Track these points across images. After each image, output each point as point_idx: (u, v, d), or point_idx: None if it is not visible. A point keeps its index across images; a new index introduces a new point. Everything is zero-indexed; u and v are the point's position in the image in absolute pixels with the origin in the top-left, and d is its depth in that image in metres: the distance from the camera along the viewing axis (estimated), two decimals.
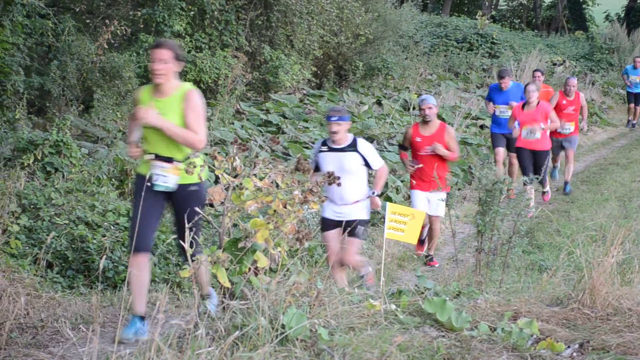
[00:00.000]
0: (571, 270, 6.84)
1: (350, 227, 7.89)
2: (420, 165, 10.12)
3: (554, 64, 28.32)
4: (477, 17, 32.47)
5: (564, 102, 14.26)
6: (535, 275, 7.97)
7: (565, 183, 14.50)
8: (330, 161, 8.27)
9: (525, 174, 11.47)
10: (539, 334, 4.82)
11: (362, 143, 8.43)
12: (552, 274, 6.45)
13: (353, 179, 8.22)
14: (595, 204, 13.04)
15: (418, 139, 10.16)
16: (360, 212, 8.34)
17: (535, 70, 15.60)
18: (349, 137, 8.36)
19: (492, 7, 47.21)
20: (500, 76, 14.07)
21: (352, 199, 8.30)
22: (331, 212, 8.42)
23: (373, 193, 8.42)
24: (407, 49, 25.35)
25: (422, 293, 5.47)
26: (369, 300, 5.07)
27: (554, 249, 9.92)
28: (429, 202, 10.09)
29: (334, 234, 8.36)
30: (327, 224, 8.50)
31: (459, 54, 27.68)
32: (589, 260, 5.50)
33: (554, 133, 13.44)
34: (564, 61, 29.07)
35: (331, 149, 8.36)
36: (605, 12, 46.18)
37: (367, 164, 8.34)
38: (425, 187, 10.14)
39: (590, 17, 45.50)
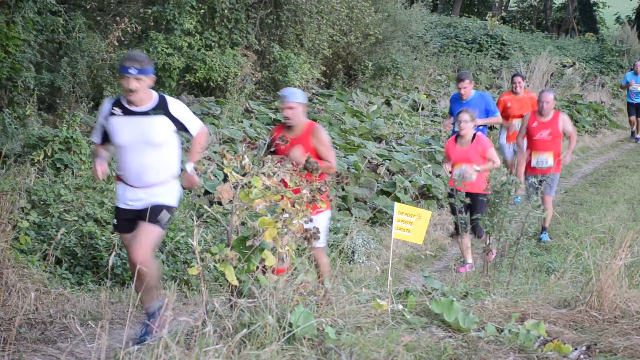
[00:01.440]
0: (579, 273, 6.84)
1: (149, 212, 6.20)
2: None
3: (564, 66, 28.28)
4: (487, 18, 32.47)
5: (535, 124, 10.94)
6: (542, 277, 7.97)
7: (542, 229, 10.96)
8: (126, 129, 6.22)
9: (457, 225, 9.36)
10: (546, 335, 4.82)
11: (173, 103, 6.39)
12: (560, 276, 6.44)
13: (159, 153, 6.28)
14: (603, 206, 13.02)
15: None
16: (166, 196, 6.35)
17: (515, 75, 13.86)
18: (154, 97, 6.33)
19: (502, 8, 47.15)
20: (459, 79, 11.52)
21: (156, 179, 6.29)
22: (128, 200, 6.34)
23: (187, 166, 6.45)
24: (416, 49, 25.35)
25: (430, 293, 5.48)
26: (376, 300, 5.08)
27: (562, 251, 9.91)
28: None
29: (131, 236, 6.30)
30: (122, 219, 6.39)
31: (468, 55, 27.66)
32: (596, 263, 5.50)
33: (529, 167, 11.01)
34: (574, 63, 29.03)
35: (128, 112, 6.26)
36: (616, 14, 46.06)
37: (182, 129, 6.40)
38: None
39: (600, 19, 45.42)
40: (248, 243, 5.07)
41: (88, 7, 15.70)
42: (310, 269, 5.18)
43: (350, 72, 21.44)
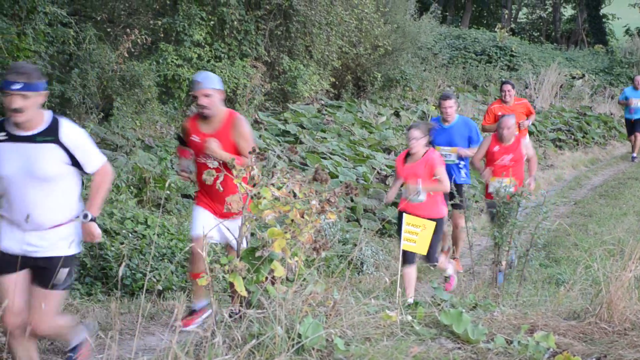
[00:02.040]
0: (588, 284, 6.82)
1: (42, 270, 5.17)
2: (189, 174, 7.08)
3: (573, 78, 28.27)
4: (496, 29, 32.47)
5: (496, 148, 10.11)
6: (552, 288, 7.95)
7: (499, 272, 8.97)
8: (10, 157, 5.09)
9: (404, 256, 8.20)
10: (555, 347, 4.81)
11: (67, 129, 5.18)
12: (569, 287, 6.44)
13: (50, 189, 5.17)
14: (613, 218, 12.99)
15: (195, 138, 6.80)
16: (61, 244, 5.23)
17: (504, 83, 12.82)
18: (46, 119, 5.16)
19: (512, 19, 47.19)
20: (443, 97, 10.48)
21: (46, 220, 5.17)
22: (14, 242, 5.20)
23: (85, 216, 5.33)
24: (425, 60, 25.37)
25: (439, 305, 5.47)
26: (385, 311, 5.08)
27: (571, 262, 9.89)
28: (220, 230, 6.57)
29: (14, 280, 5.19)
30: (4, 261, 5.21)
31: (477, 67, 27.68)
32: (606, 275, 5.49)
33: (487, 193, 10.08)
34: (584, 75, 29.01)
35: (12, 137, 5.13)
36: (626, 26, 46.02)
37: (75, 164, 5.27)
38: (213, 209, 6.86)
39: (610, 31, 45.37)
40: (257, 254, 5.08)
41: (98, 18, 15.78)
42: (320, 280, 5.18)
43: (359, 83, 21.47)
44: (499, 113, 12.07)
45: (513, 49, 29.92)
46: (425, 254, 8.21)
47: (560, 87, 25.99)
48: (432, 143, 8.89)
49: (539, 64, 29.19)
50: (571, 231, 11.15)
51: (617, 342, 4.96)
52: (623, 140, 22.60)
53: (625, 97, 19.09)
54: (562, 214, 13.67)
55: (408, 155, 8.61)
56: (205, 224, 6.34)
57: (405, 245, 7.88)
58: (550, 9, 48.42)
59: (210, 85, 6.61)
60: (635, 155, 19.57)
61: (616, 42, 42.84)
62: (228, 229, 6.08)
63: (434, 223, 8.03)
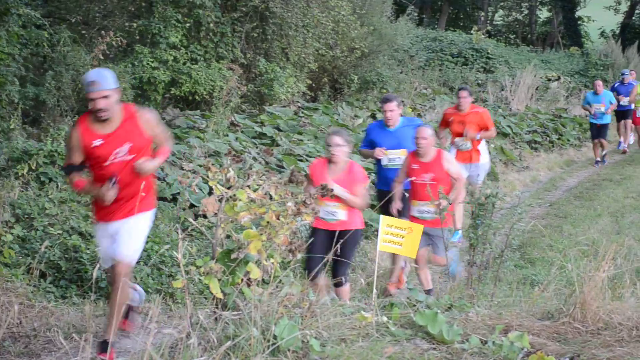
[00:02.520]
0: (563, 285, 6.87)
1: None
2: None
3: (549, 80, 28.44)
4: (472, 32, 32.61)
5: (415, 166, 8.73)
6: (526, 289, 7.99)
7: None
8: None
9: (310, 271, 7.78)
10: (529, 347, 4.84)
11: None
12: (544, 288, 6.48)
13: None
14: (588, 219, 13.08)
15: (97, 142, 6.13)
16: None
17: (461, 89, 12.03)
18: None
19: (488, 22, 47.42)
20: (385, 99, 9.61)
21: None
22: None
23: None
24: (402, 63, 25.44)
25: (414, 306, 5.49)
26: (360, 313, 5.09)
27: (546, 263, 9.95)
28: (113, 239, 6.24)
29: None
30: None
31: (454, 69, 27.78)
32: (580, 275, 5.53)
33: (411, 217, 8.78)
34: (559, 77, 29.19)
35: None
36: (601, 28, 46.42)
37: None
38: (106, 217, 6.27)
39: (585, 34, 45.73)
40: (233, 256, 5.08)
41: (73, 20, 15.69)
42: (295, 281, 5.19)
43: (336, 85, 21.49)
44: (450, 119, 11.88)
45: (489, 51, 30.07)
46: (413, 257, 8.16)
47: (536, 89, 26.13)
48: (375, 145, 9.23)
49: (515, 66, 29.35)
50: (546, 232, 11.22)
51: (590, 341, 5.00)
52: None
53: (587, 103, 18.93)
54: (537, 215, 13.75)
55: (329, 162, 7.97)
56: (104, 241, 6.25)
57: (385, 247, 7.86)
58: (526, 12, 48.71)
59: (108, 85, 6.00)
60: (598, 159, 19.34)
61: (591, 44, 43.17)
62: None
63: (421, 226, 7.99)
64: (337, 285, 7.79)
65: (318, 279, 7.72)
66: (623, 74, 20.81)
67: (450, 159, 9.04)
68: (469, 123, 11.64)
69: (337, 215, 7.86)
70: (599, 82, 18.98)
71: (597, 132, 18.97)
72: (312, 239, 7.49)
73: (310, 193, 5.48)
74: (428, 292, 8.67)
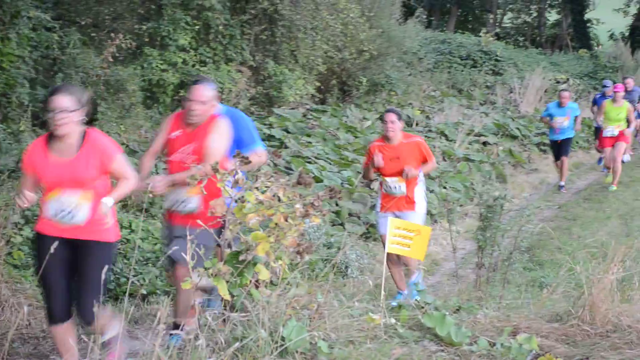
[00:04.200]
0: (571, 287, 6.84)
1: None
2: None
3: (558, 82, 28.37)
4: (481, 34, 32.59)
5: (177, 133, 6.73)
6: (535, 291, 7.99)
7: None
8: None
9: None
10: (538, 349, 4.83)
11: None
12: (552, 290, 6.46)
13: None
14: (596, 221, 13.05)
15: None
16: None
17: (388, 112, 9.39)
18: None
19: (497, 24, 47.35)
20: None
21: None
22: None
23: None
24: (410, 65, 25.41)
25: (422, 307, 5.49)
26: (368, 314, 5.09)
27: (554, 265, 9.92)
28: None
29: None
30: None
31: (462, 71, 27.74)
32: (589, 277, 5.52)
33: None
34: (568, 79, 29.14)
35: None
36: (610, 31, 46.27)
37: None
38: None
39: (594, 36, 45.60)
40: (241, 257, 5.08)
41: (83, 23, 15.73)
42: (303, 283, 5.19)
43: (344, 87, 21.49)
44: (376, 153, 9.07)
45: (498, 53, 30.02)
46: (422, 259, 8.23)
47: (545, 91, 26.09)
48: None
49: (523, 69, 29.28)
50: (555, 234, 11.18)
51: (599, 344, 4.98)
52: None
53: (549, 115, 16.29)
54: (546, 218, 13.73)
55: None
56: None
57: (393, 249, 7.87)
58: (535, 14, 48.60)
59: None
60: (563, 184, 16.68)
61: (601, 46, 43.06)
62: None
63: (430, 229, 8.10)
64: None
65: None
66: (605, 86, 18.50)
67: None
68: (403, 158, 8.98)
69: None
70: (565, 94, 16.39)
71: (559, 149, 16.30)
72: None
73: (318, 195, 5.48)
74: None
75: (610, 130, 16.09)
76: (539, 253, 10.90)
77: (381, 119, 9.40)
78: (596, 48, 41.29)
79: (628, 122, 16.10)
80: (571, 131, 16.16)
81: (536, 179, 17.75)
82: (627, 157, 18.72)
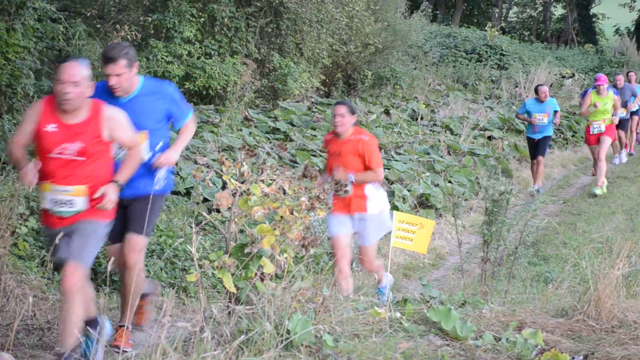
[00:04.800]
0: (577, 282, 6.84)
1: None
2: None
3: (563, 77, 28.34)
4: (486, 28, 32.52)
5: (51, 127, 5.77)
6: (540, 286, 7.97)
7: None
8: None
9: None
10: (543, 344, 4.83)
11: None
12: (558, 285, 6.45)
13: None
14: (602, 216, 13.03)
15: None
16: None
17: (338, 104, 8.26)
18: None
19: (502, 18, 47.28)
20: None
21: None
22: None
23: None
24: (416, 59, 25.39)
25: (428, 302, 5.49)
26: (374, 308, 5.09)
27: (560, 260, 9.92)
28: None
29: None
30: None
31: (467, 65, 27.71)
32: (594, 273, 5.51)
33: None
34: (573, 74, 29.08)
35: None
36: (615, 25, 46.15)
37: None
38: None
39: (600, 31, 45.49)
40: (246, 250, 5.08)
41: (88, 14, 15.72)
42: (309, 276, 5.19)
43: (349, 81, 21.47)
44: (327, 149, 8.46)
45: (503, 47, 29.98)
46: (425, 252, 8.30)
47: (550, 86, 26.03)
48: None
49: (529, 63, 29.24)
50: (560, 229, 11.19)
51: (604, 339, 4.98)
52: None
53: (526, 112, 15.29)
54: (551, 213, 13.72)
55: None
56: None
57: (397, 243, 7.86)
58: (540, 8, 48.51)
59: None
60: (537, 187, 15.33)
61: (606, 41, 42.97)
62: None
63: (433, 222, 8.10)
64: None
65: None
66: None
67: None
68: (345, 156, 7.99)
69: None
70: (544, 88, 15.32)
71: (536, 148, 15.28)
72: None
73: (323, 188, 5.48)
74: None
75: (597, 127, 15.13)
76: (544, 248, 10.89)
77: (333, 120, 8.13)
78: (603, 42, 41.18)
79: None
80: (550, 129, 15.28)
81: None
82: (623, 157, 18.49)
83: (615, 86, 17.54)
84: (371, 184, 8.05)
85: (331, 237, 8.18)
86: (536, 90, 15.48)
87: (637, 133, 20.39)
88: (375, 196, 8.08)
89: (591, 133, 15.28)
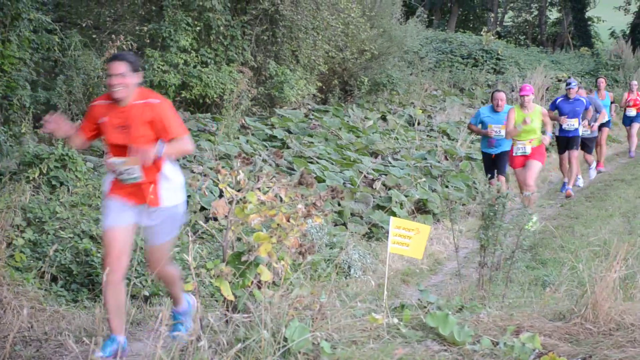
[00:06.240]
0: (574, 286, 6.84)
1: None
2: None
3: (559, 80, 28.37)
4: (482, 33, 32.57)
5: None
6: (538, 290, 7.97)
7: None
8: None
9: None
10: (541, 348, 4.83)
11: None
12: (555, 289, 6.46)
13: None
14: (599, 219, 13.02)
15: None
16: None
17: (113, 59, 6.14)
18: None
19: (498, 23, 47.33)
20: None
21: None
22: None
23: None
24: (412, 64, 25.42)
25: (425, 307, 5.49)
26: (371, 314, 5.09)
27: (557, 264, 9.91)
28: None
29: None
30: None
31: (464, 70, 27.75)
32: (592, 276, 5.51)
33: None
34: (569, 77, 29.13)
35: None
36: (611, 28, 46.26)
37: None
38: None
39: (595, 34, 45.60)
40: (243, 258, 5.08)
41: (84, 25, 15.73)
42: (306, 283, 5.19)
43: (346, 87, 21.49)
44: (101, 120, 6.41)
45: (499, 52, 30.02)
46: (420, 257, 8.17)
47: (547, 89, 26.09)
48: None
49: (525, 67, 29.27)
50: (557, 233, 11.18)
51: (602, 342, 4.98)
52: (609, 143, 22.61)
53: (480, 122, 13.10)
54: (549, 216, 13.71)
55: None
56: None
57: (394, 248, 7.85)
58: (535, 12, 48.60)
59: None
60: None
61: (601, 44, 43.06)
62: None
63: (429, 227, 7.97)
64: None
65: None
66: (569, 85, 14.65)
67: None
68: (135, 127, 6.05)
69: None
70: (501, 95, 13.06)
71: (492, 165, 12.91)
72: None
73: (320, 195, 5.48)
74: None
75: (522, 148, 12.39)
76: (541, 251, 10.87)
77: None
78: (598, 45, 41.25)
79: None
80: (507, 143, 12.70)
81: (538, 177, 17.72)
82: (592, 173, 16.54)
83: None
84: (170, 163, 6.19)
85: (105, 229, 6.14)
86: (492, 97, 13.28)
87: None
88: (174, 180, 6.20)
89: (514, 154, 12.51)
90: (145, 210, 6.08)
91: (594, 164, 16.52)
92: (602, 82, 17.77)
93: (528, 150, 12.34)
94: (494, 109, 12.92)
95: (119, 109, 6.08)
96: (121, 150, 6.00)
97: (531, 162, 12.37)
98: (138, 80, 6.09)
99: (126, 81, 5.99)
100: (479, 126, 13.10)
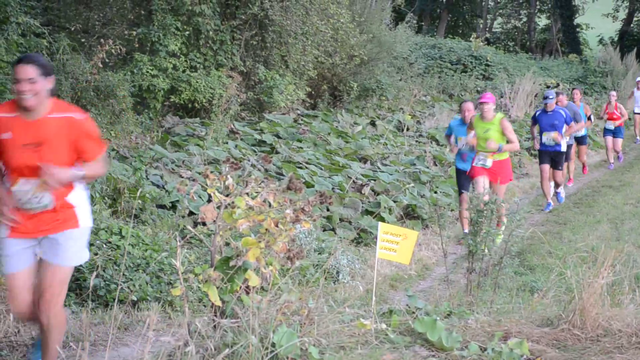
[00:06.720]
0: (562, 292, 6.86)
1: None
2: None
3: (548, 87, 28.48)
4: (471, 39, 32.67)
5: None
6: (526, 296, 7.98)
7: None
8: None
9: None
10: (529, 354, 4.84)
11: None
12: (543, 294, 6.47)
13: None
14: (587, 225, 13.05)
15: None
16: None
17: (20, 62, 5.14)
18: None
19: (487, 29, 47.49)
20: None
21: None
22: None
23: None
24: (401, 70, 25.47)
25: (413, 313, 5.48)
26: (359, 320, 5.08)
27: (545, 270, 9.92)
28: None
29: None
30: None
31: (453, 76, 27.83)
32: (579, 282, 5.53)
33: None
34: (558, 84, 29.24)
35: None
36: (599, 35, 46.49)
37: None
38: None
39: (584, 41, 45.81)
40: (231, 263, 5.07)
41: (72, 29, 15.71)
42: (294, 289, 5.18)
43: (335, 93, 21.51)
44: None
45: (488, 58, 30.13)
46: (407, 263, 8.13)
47: (535, 96, 26.18)
48: None
49: (514, 73, 29.39)
50: (545, 239, 11.20)
51: (589, 348, 4.99)
52: (597, 149, 22.71)
53: (450, 133, 12.28)
54: (537, 222, 13.74)
55: None
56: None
57: (382, 254, 7.85)
58: (525, 19, 48.79)
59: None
60: (466, 230, 10.30)
61: (590, 51, 43.26)
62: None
63: (416, 233, 7.93)
64: None
65: None
66: (545, 98, 13.81)
67: None
68: (50, 145, 5.18)
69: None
70: (468, 106, 12.02)
71: (467, 180, 11.64)
72: None
73: (309, 200, 5.47)
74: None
75: (482, 159, 11.34)
76: (529, 257, 10.89)
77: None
78: (587, 52, 41.43)
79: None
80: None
81: (527, 184, 17.78)
82: (561, 196, 15.21)
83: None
84: (81, 185, 5.41)
85: (6, 276, 5.41)
86: (460, 108, 12.32)
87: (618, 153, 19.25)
88: (85, 202, 5.48)
89: (474, 164, 11.46)
90: (57, 237, 5.28)
91: (561, 189, 15.19)
92: (577, 92, 16.87)
93: (489, 164, 11.26)
94: (464, 123, 11.92)
95: (28, 123, 5.12)
96: (27, 172, 5.10)
97: (496, 188, 11.18)
98: (50, 86, 5.16)
99: (36, 87, 5.05)
100: (450, 138, 12.28)
